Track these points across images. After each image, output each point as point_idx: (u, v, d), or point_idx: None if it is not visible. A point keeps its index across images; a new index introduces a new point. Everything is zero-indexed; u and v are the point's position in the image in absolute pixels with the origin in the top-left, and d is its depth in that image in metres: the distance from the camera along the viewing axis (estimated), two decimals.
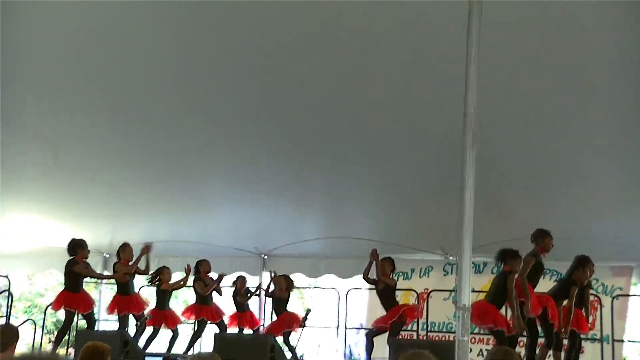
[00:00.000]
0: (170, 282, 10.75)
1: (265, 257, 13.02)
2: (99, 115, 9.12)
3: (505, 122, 8.27)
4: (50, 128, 9.39)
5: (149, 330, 10.47)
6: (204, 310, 10.86)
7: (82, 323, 10.97)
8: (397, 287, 10.93)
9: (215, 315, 10.93)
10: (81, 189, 10.95)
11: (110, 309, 10.36)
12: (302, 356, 10.59)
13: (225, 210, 11.73)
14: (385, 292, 10.07)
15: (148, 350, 10.37)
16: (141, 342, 10.33)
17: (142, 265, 10.59)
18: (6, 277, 12.77)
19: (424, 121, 8.44)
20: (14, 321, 11.71)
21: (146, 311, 10.49)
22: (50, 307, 10.37)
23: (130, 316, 10.33)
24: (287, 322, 10.61)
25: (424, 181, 9.79)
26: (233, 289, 11.59)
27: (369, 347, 9.93)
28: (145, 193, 11.11)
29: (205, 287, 10.91)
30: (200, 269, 11.16)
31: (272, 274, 11.35)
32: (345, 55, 7.53)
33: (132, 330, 10.31)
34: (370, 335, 10.01)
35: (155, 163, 10.22)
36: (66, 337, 10.51)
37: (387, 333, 9.78)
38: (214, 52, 7.75)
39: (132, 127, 9.31)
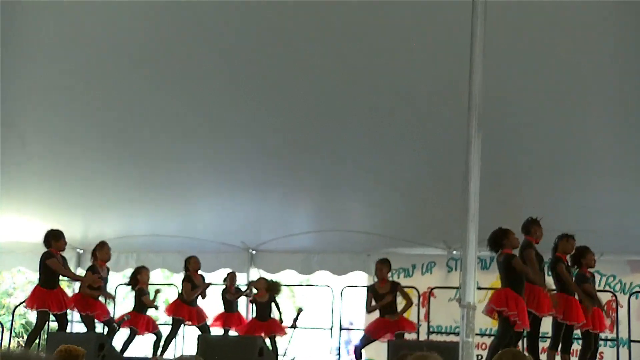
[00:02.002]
0: (146, 296, 10.71)
1: (253, 252, 13.00)
2: (72, 102, 9.13)
3: (514, 110, 8.32)
4: (17, 114, 9.37)
5: (125, 333, 10.47)
6: (185, 309, 10.84)
7: (53, 325, 10.95)
8: None
9: (196, 317, 10.93)
10: (52, 180, 10.92)
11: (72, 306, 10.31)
12: (293, 359, 10.60)
13: (209, 202, 11.71)
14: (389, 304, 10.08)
15: (127, 355, 10.37)
16: (117, 346, 10.33)
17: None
18: None
19: (428, 106, 8.47)
20: None
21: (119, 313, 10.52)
22: (24, 304, 10.29)
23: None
24: (271, 328, 10.64)
25: (426, 169, 9.80)
26: (223, 286, 11.58)
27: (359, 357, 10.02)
28: (122, 184, 11.10)
29: (191, 291, 10.89)
30: (190, 267, 11.13)
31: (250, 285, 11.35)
32: (341, 41, 7.59)
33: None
34: (360, 348, 10.05)
35: (132, 152, 10.21)
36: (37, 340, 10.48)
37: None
38: (198, 37, 7.82)
39: (108, 114, 9.32)
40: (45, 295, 9.70)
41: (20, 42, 8.25)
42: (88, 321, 10.00)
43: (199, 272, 11.21)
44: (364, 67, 8.00)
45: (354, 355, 10.08)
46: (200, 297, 11.07)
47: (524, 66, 7.67)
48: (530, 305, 8.33)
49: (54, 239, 9.89)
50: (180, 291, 11.18)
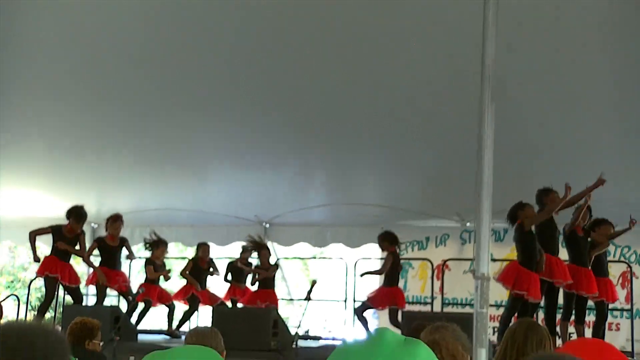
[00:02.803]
0: (156, 266, 10.85)
1: (267, 225, 13.09)
2: (82, 75, 9.17)
3: (528, 80, 8.33)
4: (30, 90, 9.43)
5: (140, 306, 10.61)
6: (196, 291, 11.09)
7: (69, 299, 11.09)
8: (412, 257, 11.02)
9: (207, 299, 11.13)
10: (65, 155, 11.00)
11: (89, 281, 10.48)
12: (307, 331, 10.70)
13: (222, 175, 11.78)
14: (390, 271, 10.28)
15: (141, 327, 10.51)
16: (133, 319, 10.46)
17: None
18: None
19: (443, 79, 8.48)
20: None
21: (136, 287, 10.64)
22: (36, 273, 10.44)
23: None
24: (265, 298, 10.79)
25: (439, 141, 9.80)
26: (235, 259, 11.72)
27: (364, 322, 10.16)
28: (135, 158, 11.17)
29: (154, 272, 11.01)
30: (200, 254, 11.32)
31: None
32: (353, 14, 7.61)
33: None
34: (360, 310, 10.25)
35: (144, 125, 10.26)
36: (52, 313, 10.62)
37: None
38: (212, 16, 7.87)
39: (119, 86, 9.36)
40: (53, 262, 9.84)
41: (33, 25, 8.33)
42: (101, 292, 10.17)
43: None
44: (379, 39, 8.00)
45: (359, 320, 10.23)
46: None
47: (537, 38, 7.65)
48: (544, 273, 8.37)
49: (72, 216, 9.99)
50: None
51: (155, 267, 10.85)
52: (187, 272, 11.24)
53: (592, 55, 7.96)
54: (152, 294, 10.61)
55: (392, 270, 10.31)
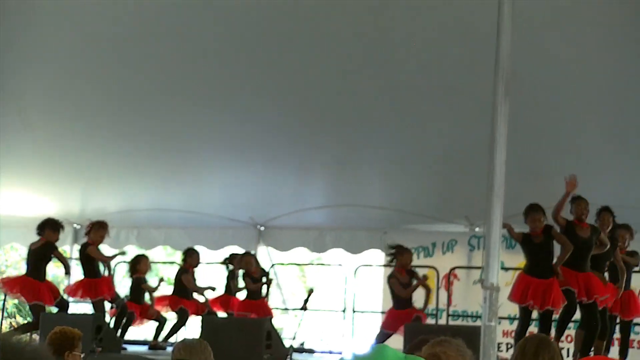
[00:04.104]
0: (145, 284, 10.78)
1: (262, 228, 13.00)
2: (70, 68, 9.16)
3: (541, 82, 8.32)
4: (15, 82, 9.40)
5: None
6: (183, 302, 10.98)
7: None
8: (418, 265, 10.90)
9: (194, 308, 11.05)
10: (49, 150, 10.94)
11: (74, 293, 10.31)
12: (302, 344, 10.64)
13: (215, 174, 11.72)
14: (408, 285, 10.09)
15: (127, 338, 10.44)
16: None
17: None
18: None
19: (452, 76, 8.48)
20: None
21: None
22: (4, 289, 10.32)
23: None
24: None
25: (448, 140, 9.76)
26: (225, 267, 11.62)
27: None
28: (123, 154, 11.10)
29: (194, 284, 10.95)
30: (188, 260, 11.19)
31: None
32: (359, 14, 7.67)
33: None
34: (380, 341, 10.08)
35: (133, 120, 10.21)
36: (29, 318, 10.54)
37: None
38: (208, 14, 7.89)
39: (108, 80, 9.35)
40: (32, 286, 9.70)
41: (25, 21, 8.36)
42: (99, 306, 10.06)
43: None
44: (382, 38, 8.00)
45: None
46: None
47: (552, 36, 7.66)
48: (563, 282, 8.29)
49: (49, 228, 9.84)
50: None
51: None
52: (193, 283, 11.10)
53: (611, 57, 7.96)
54: (136, 312, 10.55)
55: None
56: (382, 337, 10.05)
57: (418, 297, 11.52)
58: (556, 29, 7.55)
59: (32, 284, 9.66)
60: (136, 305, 10.58)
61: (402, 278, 10.00)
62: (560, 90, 8.67)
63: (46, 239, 9.68)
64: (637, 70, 8.11)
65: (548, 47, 7.85)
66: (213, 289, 11.21)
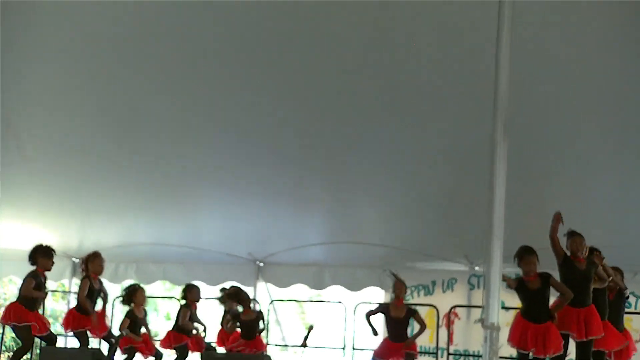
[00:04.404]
0: (141, 309, 10.71)
1: (261, 264, 13.00)
2: (70, 103, 9.20)
3: (540, 119, 8.34)
4: (14, 115, 9.43)
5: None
6: (183, 338, 10.92)
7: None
8: (417, 303, 10.87)
9: (195, 345, 10.98)
10: (48, 183, 10.94)
11: (66, 325, 10.23)
12: None
13: (214, 210, 11.72)
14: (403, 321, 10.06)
15: None
16: None
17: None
18: None
19: (452, 111, 8.49)
20: None
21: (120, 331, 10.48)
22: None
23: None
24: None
25: (447, 178, 9.75)
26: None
27: None
28: (122, 189, 11.09)
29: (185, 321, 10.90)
30: (188, 296, 11.14)
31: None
32: (356, 36, 7.65)
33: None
34: None
35: (133, 155, 10.22)
36: (28, 355, 10.44)
37: None
38: (202, 38, 7.97)
39: (108, 116, 9.36)
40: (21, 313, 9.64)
41: (19, 45, 8.37)
42: (82, 337, 9.97)
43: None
44: (379, 66, 8.00)
45: None
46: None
47: (550, 69, 7.67)
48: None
49: (41, 255, 9.79)
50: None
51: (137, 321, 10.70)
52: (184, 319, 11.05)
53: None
54: (138, 345, 10.51)
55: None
56: None
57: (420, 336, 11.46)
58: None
59: (21, 310, 9.61)
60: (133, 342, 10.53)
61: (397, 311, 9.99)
62: (564, 127, 8.65)
63: (42, 269, 9.64)
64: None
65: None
66: (201, 330, 11.12)
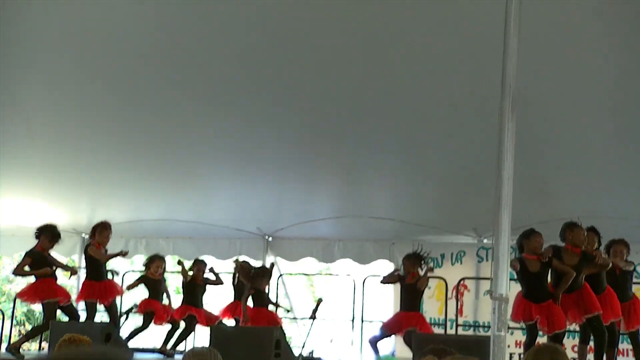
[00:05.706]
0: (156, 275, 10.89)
1: (270, 238, 13.06)
2: (77, 80, 9.23)
3: (547, 94, 8.38)
4: (23, 95, 9.48)
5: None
6: (194, 310, 11.07)
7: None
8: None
9: (205, 319, 11.11)
10: (57, 162, 11.01)
11: (80, 297, 10.41)
12: (311, 352, 10.69)
13: (223, 185, 11.78)
14: (411, 289, 10.14)
15: (135, 345, 10.52)
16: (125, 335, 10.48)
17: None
18: None
19: (461, 89, 8.53)
20: None
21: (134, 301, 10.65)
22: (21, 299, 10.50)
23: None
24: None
25: (456, 152, 9.81)
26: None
27: (375, 350, 10.12)
28: (132, 165, 11.17)
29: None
30: (194, 269, 11.31)
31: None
32: (365, 25, 7.70)
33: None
34: (375, 340, 10.18)
35: (141, 132, 10.28)
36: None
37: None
38: (213, 24, 7.99)
39: (118, 95, 9.41)
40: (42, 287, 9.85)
41: (28, 22, 8.43)
42: (91, 308, 10.14)
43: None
44: (389, 49, 8.05)
45: (371, 347, 10.21)
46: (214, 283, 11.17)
47: (558, 52, 7.71)
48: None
49: (44, 233, 9.98)
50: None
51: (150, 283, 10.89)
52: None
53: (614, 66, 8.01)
54: (156, 309, 10.68)
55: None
56: (380, 337, 10.19)
57: (429, 308, 11.58)
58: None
59: (41, 284, 9.84)
60: (153, 302, 10.71)
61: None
62: (570, 104, 8.70)
63: (41, 247, 9.83)
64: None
65: (558, 58, 7.89)
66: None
